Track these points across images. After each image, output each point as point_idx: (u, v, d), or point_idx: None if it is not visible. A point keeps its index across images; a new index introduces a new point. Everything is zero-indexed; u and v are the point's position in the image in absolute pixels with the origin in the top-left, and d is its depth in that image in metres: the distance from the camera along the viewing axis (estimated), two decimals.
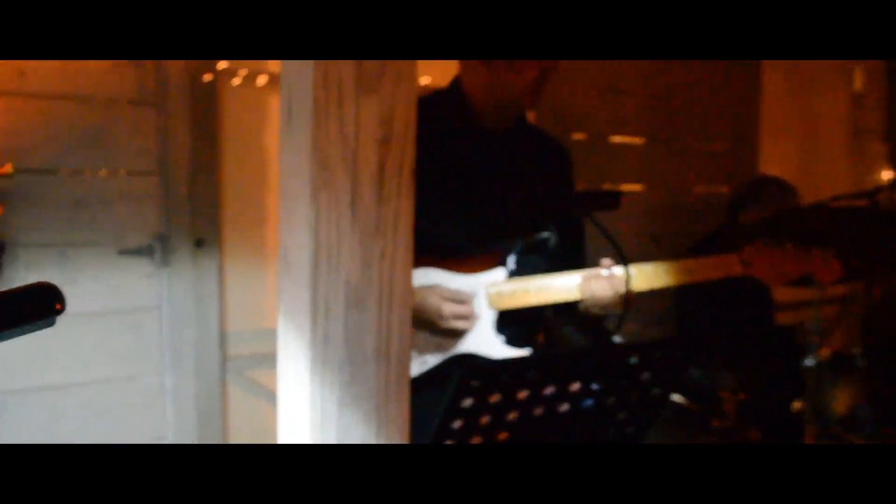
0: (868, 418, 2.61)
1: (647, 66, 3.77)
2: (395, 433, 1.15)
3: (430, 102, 2.15)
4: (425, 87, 2.72)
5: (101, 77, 2.55)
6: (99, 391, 2.57)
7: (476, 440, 1.32)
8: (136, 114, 2.61)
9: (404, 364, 1.17)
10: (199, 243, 2.67)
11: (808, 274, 2.08)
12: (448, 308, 1.93)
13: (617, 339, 2.42)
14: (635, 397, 1.52)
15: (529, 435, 1.38)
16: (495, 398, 1.30)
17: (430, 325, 1.95)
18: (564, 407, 1.40)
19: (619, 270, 2.01)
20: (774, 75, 4.23)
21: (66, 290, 2.38)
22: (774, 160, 4.21)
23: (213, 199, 2.72)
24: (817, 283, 2.13)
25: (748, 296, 3.14)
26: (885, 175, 4.44)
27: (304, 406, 1.13)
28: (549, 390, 1.37)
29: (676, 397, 2.75)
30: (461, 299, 1.96)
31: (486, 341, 2.00)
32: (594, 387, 1.43)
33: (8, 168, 2.18)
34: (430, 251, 2.01)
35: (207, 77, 2.68)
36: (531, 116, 3.26)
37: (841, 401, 2.67)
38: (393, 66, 1.15)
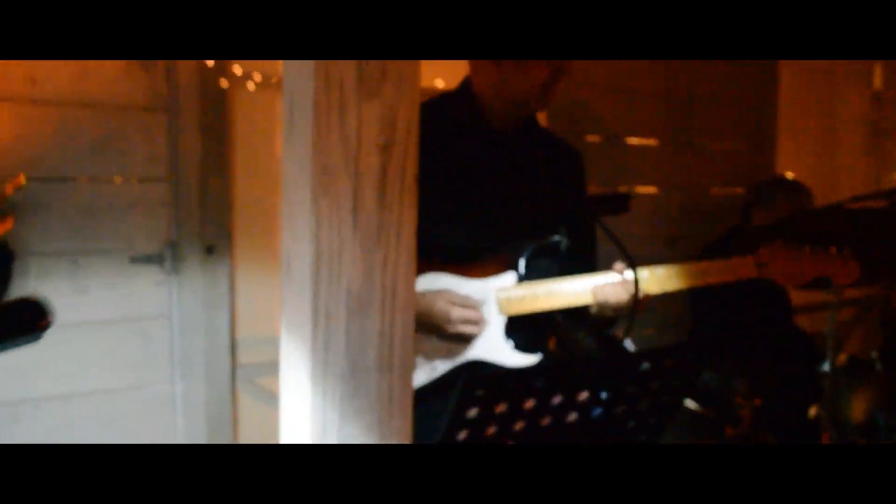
0: (886, 425, 2.57)
1: (663, 67, 3.74)
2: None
3: (439, 104, 2.14)
4: (438, 89, 2.71)
5: (112, 83, 2.55)
6: (109, 399, 2.56)
7: None
8: (146, 120, 2.61)
9: (407, 374, 1.15)
10: (209, 250, 2.66)
11: (825, 275, 2.05)
12: (456, 312, 1.91)
13: (629, 344, 2.39)
14: (645, 405, 1.49)
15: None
16: (501, 408, 1.28)
17: (439, 331, 1.93)
18: (573, 416, 1.37)
19: (631, 274, 1.98)
20: (792, 75, 4.20)
21: (77, 299, 2.38)
22: (792, 160, 4.17)
23: (224, 205, 2.71)
24: (834, 285, 2.09)
25: (765, 299, 3.10)
26: None
27: (306, 417, 1.11)
28: (557, 399, 1.35)
29: (690, 403, 2.71)
30: (470, 304, 1.94)
31: (495, 347, 1.98)
32: (603, 395, 1.40)
33: (21, 180, 2.18)
34: (440, 255, 2.00)
35: (219, 83, 2.68)
36: (544, 118, 3.25)
37: (858, 407, 2.62)
38: (395, 69, 1.13)
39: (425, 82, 2.07)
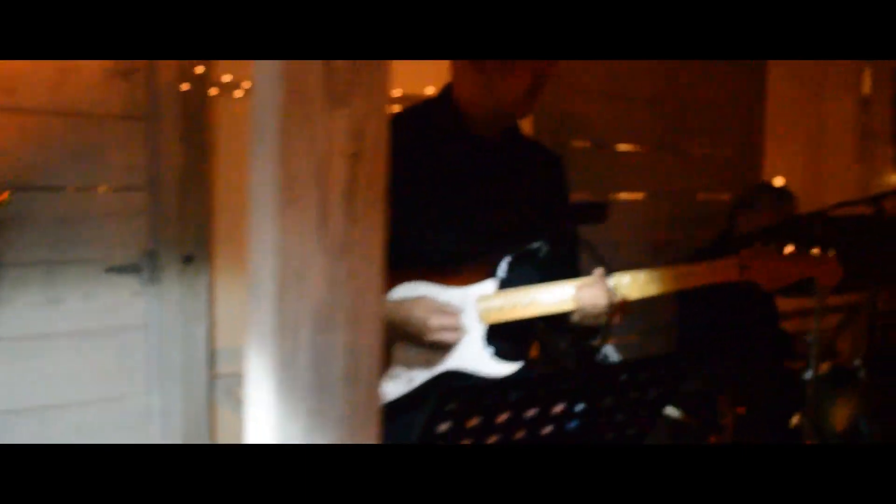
0: (869, 433, 2.55)
1: (651, 73, 3.73)
2: None
3: (420, 111, 2.13)
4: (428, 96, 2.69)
5: (90, 92, 2.52)
6: (85, 411, 2.53)
7: None
8: (125, 128, 2.58)
9: (374, 388, 1.13)
10: (188, 260, 2.63)
11: (808, 277, 2.03)
12: (434, 320, 1.89)
13: (613, 353, 2.38)
14: (623, 418, 1.47)
15: None
16: (474, 422, 1.26)
17: (417, 339, 1.91)
18: (548, 429, 1.35)
19: (612, 280, 1.96)
20: (780, 80, 4.19)
21: (52, 310, 2.35)
22: (780, 166, 4.17)
23: (204, 214, 2.69)
24: (818, 289, 2.08)
25: (751, 305, 3.09)
26: (892, 179, 4.39)
27: (270, 433, 1.09)
28: (532, 412, 1.33)
29: (673, 412, 2.70)
30: (447, 311, 1.92)
31: (475, 356, 1.95)
32: (579, 408, 1.38)
33: (5, 196, 2.16)
34: (419, 263, 1.98)
35: (198, 90, 2.66)
36: (530, 124, 3.24)
37: (841, 415, 2.61)
38: (365, 78, 1.11)
39: (416, 89, 2.05)
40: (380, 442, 1.14)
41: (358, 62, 1.08)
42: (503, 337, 2.00)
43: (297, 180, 1.07)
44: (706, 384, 2.75)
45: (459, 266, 1.99)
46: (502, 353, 1.98)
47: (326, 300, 1.09)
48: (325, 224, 1.08)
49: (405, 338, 1.92)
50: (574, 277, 2.01)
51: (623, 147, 3.76)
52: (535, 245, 1.99)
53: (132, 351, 2.59)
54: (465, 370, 1.94)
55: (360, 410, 1.10)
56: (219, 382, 2.74)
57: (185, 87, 2.63)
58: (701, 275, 2.02)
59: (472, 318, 1.95)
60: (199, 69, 2.66)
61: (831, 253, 2.00)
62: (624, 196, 3.78)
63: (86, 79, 2.50)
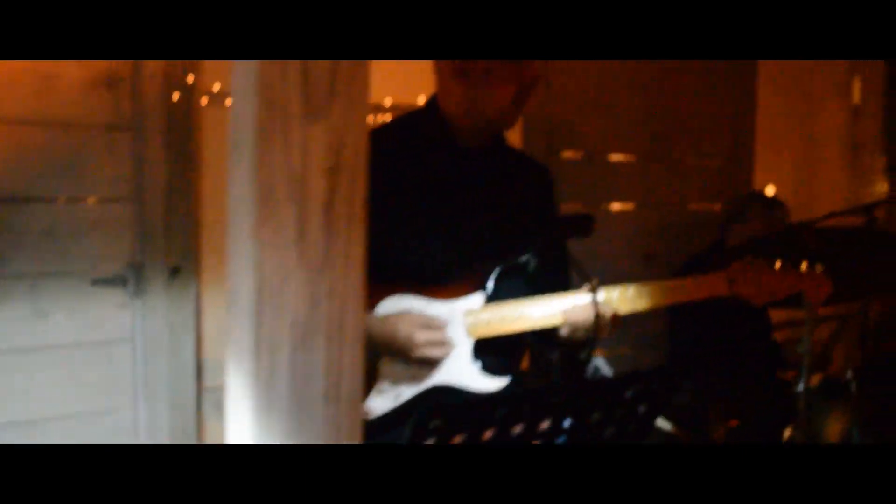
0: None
1: (641, 83, 3.72)
2: None
3: (406, 122, 2.11)
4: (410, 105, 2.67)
5: (75, 102, 2.50)
6: (70, 425, 2.50)
7: None
8: (111, 139, 2.56)
9: (356, 406, 1.11)
10: (174, 272, 2.61)
11: (797, 291, 2.02)
12: (420, 335, 1.87)
13: (603, 365, 2.36)
14: (612, 432, 1.45)
15: None
16: (458, 440, 1.24)
17: (404, 354, 1.88)
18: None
19: (601, 295, 1.94)
20: (770, 89, 4.19)
21: (37, 323, 2.32)
22: (771, 175, 4.16)
23: (191, 226, 2.66)
24: (807, 303, 2.06)
25: (743, 318, 3.08)
26: (883, 188, 4.38)
27: None
28: (518, 429, 1.31)
29: (664, 424, 2.68)
30: (434, 325, 1.89)
31: (463, 371, 1.93)
32: (566, 424, 1.36)
33: None
34: (405, 277, 1.96)
35: (184, 100, 2.64)
36: (517, 135, 3.23)
37: (833, 429, 2.59)
38: (343, 90, 1.09)
39: (408, 99, 2.03)
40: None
41: (336, 74, 1.06)
42: (492, 351, 1.98)
43: (275, 194, 1.05)
44: (698, 397, 2.73)
45: (447, 279, 1.97)
46: (491, 368, 1.96)
47: (306, 317, 1.07)
48: (304, 239, 1.07)
49: (391, 353, 1.90)
50: (563, 290, 1.99)
51: (613, 157, 3.75)
52: (524, 258, 1.97)
53: (118, 364, 2.57)
54: (453, 385, 1.92)
55: (341, 431, 1.08)
56: (206, 395, 2.71)
57: (175, 96, 2.61)
58: (690, 289, 2.01)
59: (460, 333, 1.93)
60: (190, 78, 2.64)
61: (819, 268, 1.99)
62: (614, 206, 3.77)
63: (70, 89, 2.48)
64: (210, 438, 2.75)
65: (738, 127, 4.12)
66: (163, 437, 2.62)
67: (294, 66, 1.04)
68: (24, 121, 2.42)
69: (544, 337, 2.03)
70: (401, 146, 2.03)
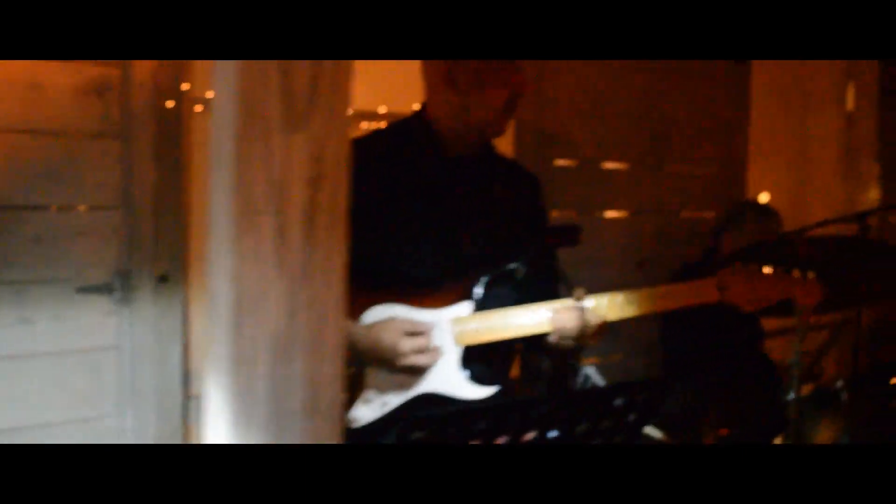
0: None
1: (634, 90, 3.72)
2: None
3: (394, 130, 2.10)
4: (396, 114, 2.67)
5: (64, 110, 2.48)
6: (56, 434, 2.47)
7: None
8: (99, 147, 2.54)
9: (335, 418, 1.09)
10: (162, 279, 2.59)
11: (787, 297, 2.00)
12: (406, 343, 1.85)
13: (594, 374, 2.34)
14: (599, 442, 1.44)
15: None
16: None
17: (389, 363, 1.87)
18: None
19: (590, 302, 1.93)
20: (763, 96, 4.19)
21: (23, 330, 2.30)
22: (764, 182, 4.16)
23: (179, 233, 2.64)
24: (797, 310, 2.05)
25: (736, 325, 3.07)
26: (877, 195, 4.38)
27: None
28: (501, 441, 1.30)
29: (655, 433, 2.67)
30: (419, 332, 1.88)
31: (450, 379, 1.92)
32: (551, 435, 1.35)
33: None
34: (392, 285, 1.95)
35: (174, 108, 2.62)
36: (510, 143, 3.22)
37: (823, 438, 2.58)
38: (324, 100, 1.08)
39: (404, 107, 2.02)
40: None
41: (317, 84, 1.05)
42: (480, 359, 1.97)
43: (255, 205, 1.04)
44: (689, 405, 2.72)
45: (435, 288, 1.96)
46: (480, 376, 1.95)
47: (285, 328, 1.06)
48: (284, 249, 1.05)
49: (377, 363, 1.89)
50: (552, 299, 1.98)
51: (607, 165, 3.74)
52: (512, 266, 1.97)
53: (104, 372, 2.54)
54: (440, 393, 1.91)
55: (321, 442, 1.07)
56: (193, 404, 2.69)
57: (170, 104, 2.60)
58: (679, 296, 2.00)
59: (448, 341, 1.92)
60: (185, 86, 2.63)
61: (811, 275, 1.98)
62: (608, 214, 3.76)
63: (58, 96, 2.46)
64: None
65: (732, 134, 4.12)
66: None
67: (274, 74, 1.03)
68: (11, 129, 2.40)
69: (535, 345, 2.03)
70: (390, 154, 2.03)
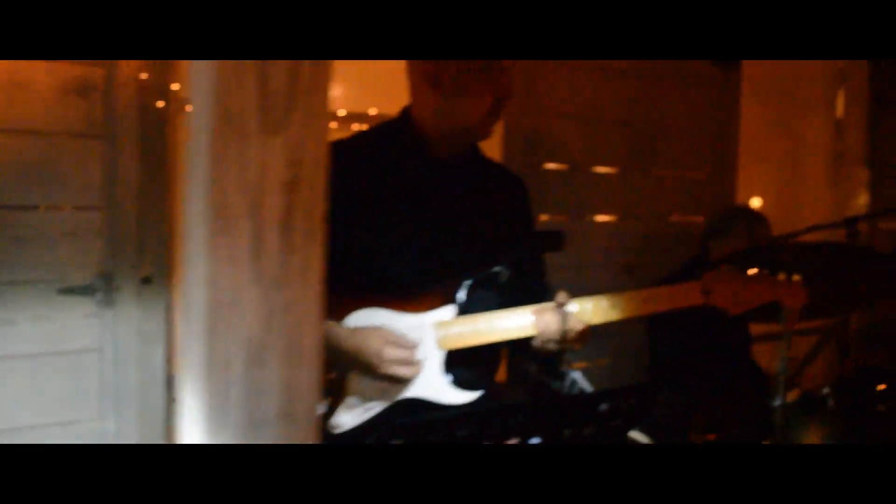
0: None
1: (624, 95, 3.71)
2: None
3: (378, 132, 2.08)
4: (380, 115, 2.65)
5: (47, 110, 2.46)
6: (36, 437, 2.45)
7: None
8: (82, 147, 2.52)
9: (311, 425, 1.08)
10: (146, 281, 2.57)
11: (771, 300, 1.99)
12: (389, 353, 1.83)
13: (580, 378, 2.33)
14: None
15: None
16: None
17: (372, 368, 1.85)
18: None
19: (573, 306, 1.92)
20: (753, 102, 4.18)
21: (3, 332, 2.28)
22: (754, 187, 4.16)
23: (163, 235, 2.62)
24: (783, 313, 2.04)
25: (724, 328, 3.06)
26: (866, 201, 4.39)
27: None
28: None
29: (641, 437, 2.65)
30: (404, 343, 1.86)
31: (433, 384, 1.90)
32: (533, 442, 1.34)
33: None
34: (375, 289, 1.93)
35: (159, 108, 2.60)
36: (498, 147, 3.20)
37: (812, 443, 2.56)
38: (302, 102, 1.07)
39: (395, 109, 2.00)
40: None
41: (296, 87, 1.04)
42: (465, 363, 1.95)
43: (230, 208, 1.02)
44: (675, 410, 2.70)
45: (418, 291, 1.94)
46: (464, 380, 1.93)
47: (261, 333, 1.04)
48: (260, 254, 1.04)
49: (359, 366, 1.87)
50: (537, 302, 1.96)
51: (596, 169, 3.73)
52: (496, 269, 1.95)
53: (86, 374, 2.52)
54: (423, 398, 1.89)
55: None
56: (175, 407, 2.67)
57: (160, 104, 2.59)
58: (663, 300, 1.99)
59: (430, 345, 1.90)
60: (175, 86, 2.61)
61: (796, 277, 1.96)
62: (597, 218, 3.75)
63: (41, 97, 2.44)
64: None
65: (722, 139, 4.11)
66: None
67: (251, 75, 1.02)
68: None
69: (520, 348, 2.01)
70: (374, 155, 2.01)
